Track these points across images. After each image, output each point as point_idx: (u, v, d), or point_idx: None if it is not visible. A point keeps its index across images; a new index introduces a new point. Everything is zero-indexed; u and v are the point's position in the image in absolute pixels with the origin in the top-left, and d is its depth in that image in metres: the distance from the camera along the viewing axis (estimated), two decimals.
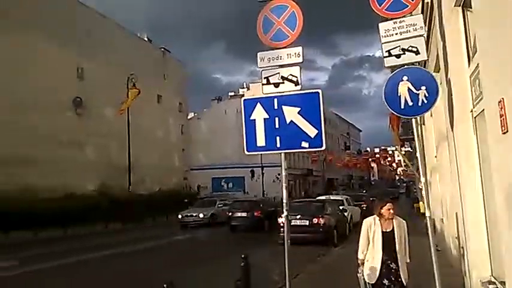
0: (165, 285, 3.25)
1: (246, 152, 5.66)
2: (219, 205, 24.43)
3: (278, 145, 5.46)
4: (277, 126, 5.46)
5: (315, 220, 12.88)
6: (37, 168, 25.08)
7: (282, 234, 13.28)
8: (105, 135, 31.61)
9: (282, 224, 13.27)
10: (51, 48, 27.93)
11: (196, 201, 26.91)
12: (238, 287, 4.38)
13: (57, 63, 28.58)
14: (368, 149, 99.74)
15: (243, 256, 4.78)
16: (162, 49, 45.76)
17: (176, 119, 46.27)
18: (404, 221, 4.99)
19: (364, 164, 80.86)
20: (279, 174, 48.92)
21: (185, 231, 20.97)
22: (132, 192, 28.10)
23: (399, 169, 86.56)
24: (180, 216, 23.19)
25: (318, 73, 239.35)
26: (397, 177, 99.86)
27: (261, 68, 5.71)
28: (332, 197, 19.58)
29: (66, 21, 29.95)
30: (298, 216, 13.17)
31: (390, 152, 79.78)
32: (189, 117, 52.02)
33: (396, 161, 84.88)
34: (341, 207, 16.05)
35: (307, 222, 12.99)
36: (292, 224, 13.11)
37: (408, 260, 4.86)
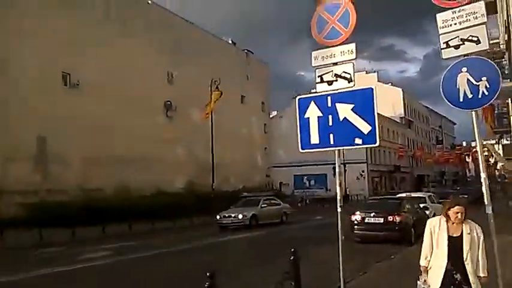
0: (207, 274, 3.55)
1: (301, 150, 5.83)
2: (263, 205, 21.77)
3: (331, 142, 5.55)
4: (330, 123, 5.54)
5: (390, 218, 12.44)
6: (131, 167, 27.37)
7: (356, 231, 13.21)
8: (192, 135, 33.40)
9: (355, 222, 13.17)
10: (147, 55, 30.43)
11: (238, 201, 23.99)
12: (285, 279, 4.52)
13: (151, 70, 31.05)
14: (464, 143, 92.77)
15: (292, 250, 4.89)
16: (246, 51, 47.07)
17: (259, 118, 47.27)
18: (479, 227, 4.24)
19: (457, 159, 75.35)
20: (363, 171, 47.75)
21: (226, 233, 18.81)
22: (216, 189, 29.35)
23: (499, 164, 79.19)
24: (218, 217, 20.73)
25: (408, 64, 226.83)
26: (497, 173, 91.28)
27: (315, 66, 5.82)
28: (413, 194, 18.71)
29: (159, 30, 32.41)
30: (372, 214, 12.87)
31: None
32: (271, 115, 52.82)
33: (495, 156, 77.71)
34: (422, 205, 15.35)
35: (381, 220, 12.62)
36: (366, 221, 12.92)
37: (482, 274, 4.10)
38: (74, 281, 9.45)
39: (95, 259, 12.28)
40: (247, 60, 46.34)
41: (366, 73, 70.98)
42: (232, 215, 20.38)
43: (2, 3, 22.63)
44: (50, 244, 15.82)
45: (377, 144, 5.31)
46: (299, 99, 5.90)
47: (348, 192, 45.28)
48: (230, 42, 45.59)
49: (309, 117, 5.72)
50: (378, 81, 70.40)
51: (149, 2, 33.13)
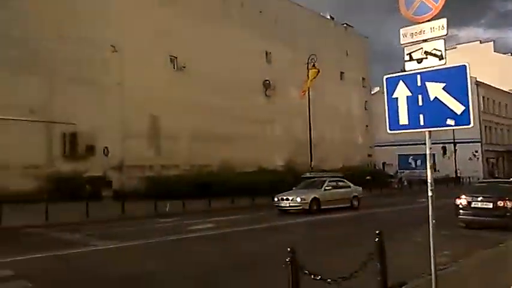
0: (288, 249, 3.80)
1: (389, 131, 5.73)
2: (327, 187, 19.19)
3: (421, 123, 5.36)
4: (420, 103, 5.34)
5: (501, 203, 11.44)
6: (234, 145, 28.89)
7: (461, 216, 12.41)
8: (291, 113, 33.90)
9: (460, 206, 12.38)
10: (244, 36, 31.43)
11: (301, 182, 21.73)
12: (369, 260, 4.57)
13: (249, 50, 32.03)
14: None
15: (377, 232, 4.88)
16: (345, 25, 45.75)
17: (359, 95, 45.99)
18: None
19: None
20: (476, 151, 43.95)
21: (288, 216, 17.25)
22: (315, 168, 29.49)
23: None
24: (275, 199, 18.70)
25: None
26: None
27: (403, 44, 5.62)
28: None
29: (256, 9, 33.12)
30: (479, 198, 11.97)
31: None
32: (373, 92, 50.87)
33: None
34: None
35: (490, 205, 11.68)
36: (472, 206, 12.11)
37: None
38: (182, 249, 10.56)
39: (201, 230, 13.47)
40: (346, 34, 45.04)
41: (480, 43, 64.15)
42: (290, 198, 18.12)
43: None
44: (163, 215, 17.57)
45: (471, 125, 5.00)
46: (387, 78, 5.76)
47: (459, 174, 42.11)
48: (328, 17, 44.64)
49: (397, 97, 5.57)
50: (494, 51, 63.22)
51: None
